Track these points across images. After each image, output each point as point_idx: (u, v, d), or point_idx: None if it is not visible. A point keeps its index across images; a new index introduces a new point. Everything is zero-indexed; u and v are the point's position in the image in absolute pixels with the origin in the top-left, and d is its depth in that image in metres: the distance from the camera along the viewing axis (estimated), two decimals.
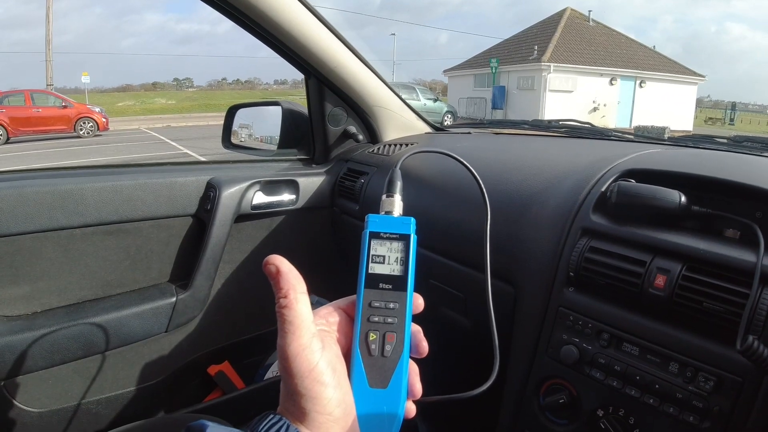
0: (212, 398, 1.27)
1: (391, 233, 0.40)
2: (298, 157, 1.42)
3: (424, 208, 1.05)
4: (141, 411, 1.13)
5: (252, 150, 1.52)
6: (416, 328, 0.39)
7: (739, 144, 1.05)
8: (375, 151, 1.32)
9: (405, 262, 0.39)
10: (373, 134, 1.41)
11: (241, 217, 1.20)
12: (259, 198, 1.23)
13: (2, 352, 0.93)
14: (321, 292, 1.40)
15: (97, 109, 14.59)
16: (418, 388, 0.39)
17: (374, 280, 0.39)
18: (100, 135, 14.05)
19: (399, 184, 0.44)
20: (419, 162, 1.23)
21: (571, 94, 19.48)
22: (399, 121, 1.41)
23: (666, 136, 1.28)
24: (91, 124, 13.94)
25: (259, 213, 1.24)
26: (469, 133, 1.45)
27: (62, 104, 13.78)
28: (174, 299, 1.12)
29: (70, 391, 1.04)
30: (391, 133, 1.42)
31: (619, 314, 0.67)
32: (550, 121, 1.41)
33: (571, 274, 0.72)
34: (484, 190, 0.52)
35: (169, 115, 21.90)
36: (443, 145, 1.29)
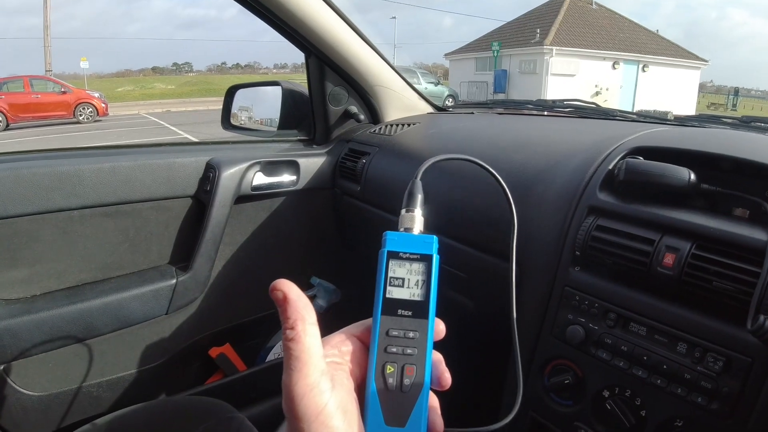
0: (214, 380, 1.27)
1: (411, 253, 0.35)
2: (298, 137, 1.40)
3: (425, 186, 1.03)
4: (142, 394, 1.13)
5: (252, 131, 1.50)
6: (438, 358, 0.36)
7: (747, 124, 1.03)
8: (377, 132, 1.30)
9: (426, 286, 0.35)
10: (374, 114, 1.39)
11: (241, 198, 1.19)
12: (260, 179, 1.21)
13: (1, 336, 0.92)
14: (321, 274, 1.39)
15: (97, 95, 14.51)
16: (439, 425, 0.35)
17: (392, 306, 0.35)
18: (100, 120, 13.99)
19: (420, 198, 0.40)
20: (414, 136, 1.22)
21: (573, 78, 19.33)
22: (401, 100, 1.39)
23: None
24: (90, 109, 13.87)
25: (259, 194, 1.22)
26: (472, 113, 1.42)
27: (61, 90, 13.68)
28: (174, 281, 1.11)
29: (71, 374, 1.04)
30: (392, 113, 1.39)
31: (626, 294, 0.66)
32: (554, 101, 1.38)
33: (577, 253, 0.71)
34: (512, 200, 0.48)
35: (168, 100, 21.80)
36: (445, 125, 1.27)
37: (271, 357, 1.34)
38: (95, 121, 13.86)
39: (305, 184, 1.29)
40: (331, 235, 1.41)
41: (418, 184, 0.41)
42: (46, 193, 0.98)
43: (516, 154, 0.93)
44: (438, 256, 0.36)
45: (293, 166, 1.26)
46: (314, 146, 1.38)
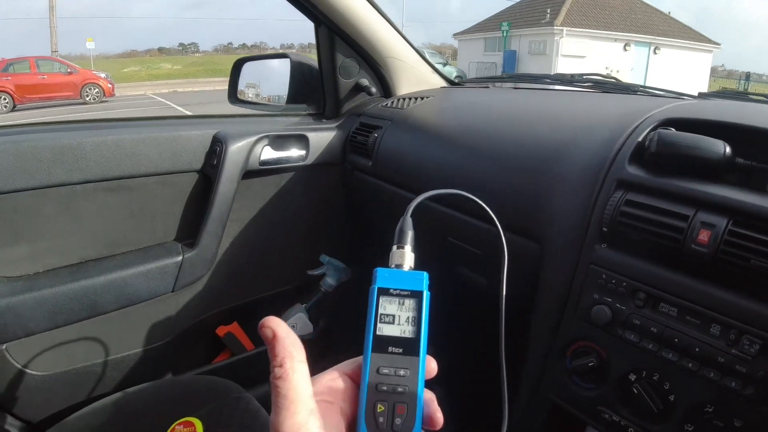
0: (221, 360, 1.25)
1: (401, 290, 0.35)
2: (307, 111, 1.36)
3: (438, 159, 0.99)
4: (148, 373, 1.11)
5: (259, 105, 1.46)
6: (429, 396, 0.35)
7: None
8: (389, 105, 1.25)
9: (417, 323, 0.35)
10: (386, 87, 1.34)
11: (248, 174, 1.15)
12: (268, 153, 1.17)
13: (3, 314, 0.90)
14: (330, 251, 1.36)
15: (103, 75, 14.49)
16: None
17: (383, 343, 0.34)
18: (106, 101, 13.99)
19: (410, 234, 0.39)
20: (428, 109, 1.17)
21: (583, 60, 19.06)
22: (413, 73, 1.34)
23: None
24: (96, 90, 13.86)
25: (267, 169, 1.18)
26: (487, 87, 1.37)
27: (67, 70, 13.67)
28: (180, 258, 1.08)
29: (75, 353, 1.02)
30: (405, 86, 1.35)
31: (657, 272, 0.63)
32: (572, 76, 1.33)
33: (605, 229, 0.67)
34: (501, 229, 0.47)
35: (175, 81, 21.73)
36: (461, 99, 1.22)
37: None
38: (102, 101, 13.86)
39: (315, 159, 1.25)
40: (341, 212, 1.37)
41: (409, 221, 0.40)
42: (47, 167, 0.95)
43: (537, 128, 0.89)
44: (429, 293, 0.36)
45: (302, 141, 1.22)
46: (324, 120, 1.34)
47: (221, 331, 1.26)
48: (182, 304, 1.14)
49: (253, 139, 1.14)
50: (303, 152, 1.23)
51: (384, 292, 0.35)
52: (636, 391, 0.63)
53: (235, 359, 1.24)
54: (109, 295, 1.00)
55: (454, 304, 1.23)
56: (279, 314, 1.35)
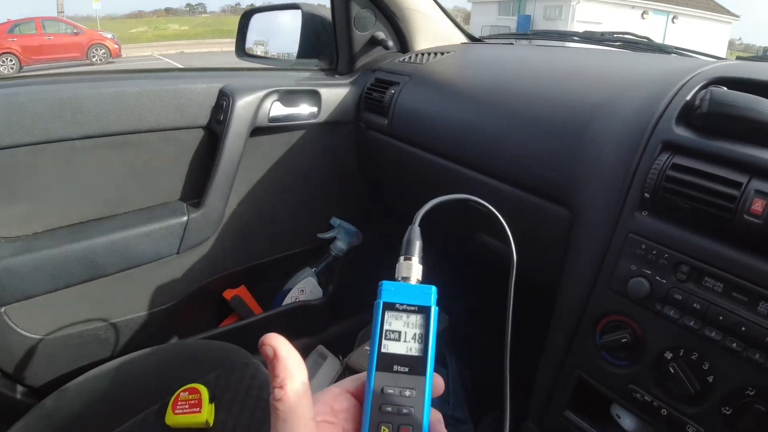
0: (228, 324, 1.22)
1: (408, 305, 0.34)
2: (319, 67, 1.29)
3: (459, 119, 0.93)
4: (153, 337, 1.08)
5: (269, 60, 1.39)
6: (436, 418, 0.33)
7: None
8: (406, 60, 1.18)
9: (424, 340, 0.33)
10: (403, 41, 1.27)
11: (257, 131, 1.09)
12: (277, 109, 1.10)
13: (1, 277, 0.86)
14: (342, 214, 1.32)
15: (109, 36, 14.33)
16: None
17: (388, 361, 0.33)
18: (113, 62, 13.86)
19: (418, 245, 0.37)
20: (449, 65, 1.10)
21: (599, 26, 18.61)
22: (433, 27, 1.26)
23: None
24: (103, 50, 13.70)
25: (276, 126, 1.12)
26: (511, 43, 1.29)
27: (74, 31, 13.51)
28: (185, 218, 1.04)
29: (77, 316, 0.99)
30: (423, 41, 1.27)
31: (703, 244, 0.57)
32: (602, 34, 1.25)
33: (647, 195, 0.61)
34: (511, 238, 0.43)
35: (182, 41, 21.43)
36: (484, 54, 1.15)
37: (288, 300, 1.29)
38: (108, 62, 13.73)
39: (327, 116, 1.19)
40: (353, 173, 1.32)
41: (417, 230, 0.38)
42: (44, 122, 0.90)
43: (569, 85, 0.82)
44: (437, 308, 0.34)
45: (314, 97, 1.16)
46: (337, 76, 1.27)
47: (228, 294, 1.23)
48: (188, 266, 1.10)
49: (262, 93, 1.08)
50: (314, 109, 1.16)
51: (389, 307, 0.34)
52: (673, 371, 0.59)
53: (242, 323, 1.21)
54: (111, 256, 0.97)
55: (472, 274, 1.19)
56: (287, 278, 1.31)
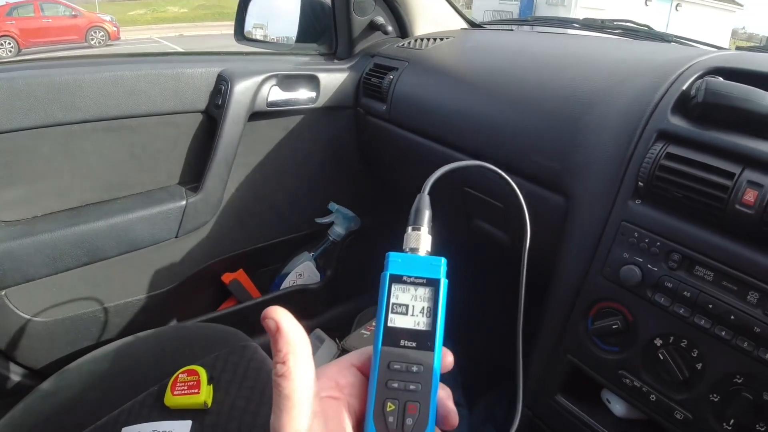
0: (226, 307, 1.23)
1: (416, 277, 0.32)
2: (318, 51, 1.28)
3: (458, 104, 0.93)
4: (152, 319, 1.09)
5: (267, 44, 1.38)
6: (444, 394, 0.32)
7: None
8: (405, 46, 1.17)
9: (433, 314, 0.32)
10: (402, 26, 1.26)
11: (255, 115, 1.09)
12: (276, 94, 1.10)
13: (1, 260, 0.87)
14: (339, 199, 1.32)
15: (108, 18, 14.16)
16: None
17: (394, 336, 0.31)
18: (112, 45, 13.69)
19: (427, 214, 0.35)
20: (448, 51, 1.10)
21: (602, 13, 18.40)
22: (433, 12, 1.26)
23: None
24: (102, 33, 13.55)
25: (275, 111, 1.12)
26: (511, 29, 1.29)
27: (72, 14, 13.35)
28: (184, 202, 1.04)
29: (77, 299, 1.00)
30: (422, 26, 1.26)
31: (695, 233, 0.58)
32: (603, 21, 1.24)
33: (640, 183, 0.62)
34: (524, 205, 0.42)
35: (181, 24, 21.18)
36: (484, 40, 1.14)
37: (286, 284, 1.30)
38: (107, 45, 13.56)
39: (325, 101, 1.19)
40: (351, 158, 1.32)
41: (426, 199, 0.36)
42: (43, 106, 0.90)
43: (568, 73, 0.82)
44: (446, 281, 0.32)
45: (313, 81, 1.16)
46: (336, 60, 1.26)
47: (227, 278, 1.24)
48: (186, 250, 1.11)
49: (261, 78, 1.07)
50: (313, 94, 1.16)
51: (396, 279, 0.32)
52: (662, 357, 0.60)
53: (240, 307, 1.22)
54: (111, 240, 0.97)
55: (470, 260, 1.19)
56: (285, 262, 1.32)
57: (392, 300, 0.32)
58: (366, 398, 0.31)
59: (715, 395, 0.56)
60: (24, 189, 0.94)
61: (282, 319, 0.28)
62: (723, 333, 0.55)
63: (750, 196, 0.53)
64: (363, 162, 1.33)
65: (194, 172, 1.10)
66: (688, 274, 0.58)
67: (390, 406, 0.30)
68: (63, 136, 0.94)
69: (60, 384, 0.78)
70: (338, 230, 1.30)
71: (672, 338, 0.60)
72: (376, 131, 1.18)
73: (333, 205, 1.31)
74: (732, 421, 0.55)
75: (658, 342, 0.61)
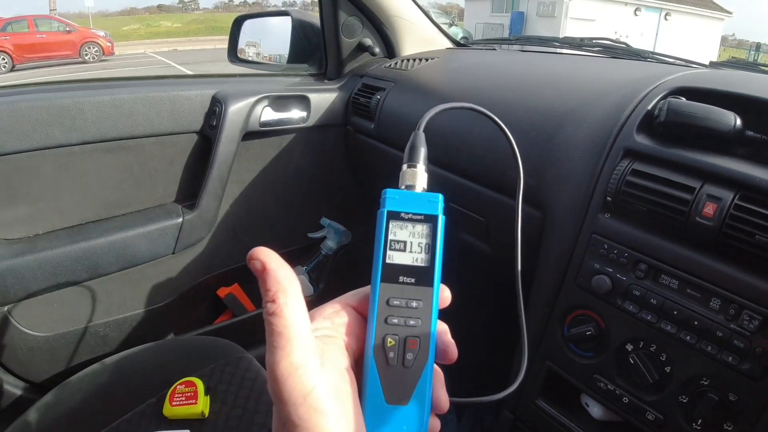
0: (222, 321, 1.26)
1: (414, 213, 0.32)
2: (309, 72, 1.33)
3: (440, 122, 0.97)
4: (150, 333, 1.12)
5: (260, 65, 1.42)
6: (443, 329, 0.32)
7: None
8: (392, 66, 1.22)
9: (431, 250, 0.32)
10: (390, 47, 1.31)
11: (248, 135, 1.13)
12: (268, 114, 1.14)
13: (4, 276, 0.90)
14: (331, 214, 1.35)
15: (102, 33, 14.19)
16: (444, 401, 0.31)
17: (393, 272, 0.31)
18: (106, 60, 13.72)
19: (423, 151, 0.35)
20: (433, 71, 1.14)
21: (592, 24, 18.56)
22: (418, 33, 1.30)
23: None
24: (96, 48, 13.58)
25: (267, 130, 1.16)
26: (494, 49, 1.34)
27: (66, 29, 13.36)
28: (180, 220, 1.08)
29: (77, 314, 1.02)
30: (409, 46, 1.31)
31: (660, 244, 0.62)
32: (582, 39, 1.29)
33: (609, 198, 0.66)
34: (518, 156, 0.42)
35: (175, 39, 21.27)
36: (466, 61, 1.19)
37: None
38: (101, 60, 13.59)
39: (316, 120, 1.23)
40: (342, 175, 1.36)
41: (421, 135, 0.36)
42: (44, 128, 0.93)
43: (543, 92, 0.87)
44: (444, 217, 0.32)
45: (304, 102, 1.20)
46: (326, 81, 1.31)
47: (222, 292, 1.26)
48: (183, 265, 1.14)
49: (253, 99, 1.11)
50: (304, 113, 1.20)
51: (394, 216, 0.32)
52: (633, 361, 0.64)
53: (236, 320, 1.25)
54: (110, 256, 1.00)
55: (456, 273, 1.23)
56: None
57: (390, 237, 0.31)
58: (363, 336, 0.31)
59: (683, 396, 0.60)
60: (26, 208, 0.97)
61: (268, 259, 0.28)
62: (688, 337, 0.59)
63: (709, 208, 0.57)
64: (353, 178, 1.37)
65: (190, 190, 1.14)
66: (654, 283, 0.62)
67: (390, 342, 0.30)
68: (64, 157, 0.98)
69: (61, 396, 0.80)
70: (330, 244, 1.33)
71: (641, 343, 0.63)
72: (365, 148, 1.22)
73: (325, 220, 1.34)
74: (700, 420, 0.58)
75: (629, 347, 0.65)
